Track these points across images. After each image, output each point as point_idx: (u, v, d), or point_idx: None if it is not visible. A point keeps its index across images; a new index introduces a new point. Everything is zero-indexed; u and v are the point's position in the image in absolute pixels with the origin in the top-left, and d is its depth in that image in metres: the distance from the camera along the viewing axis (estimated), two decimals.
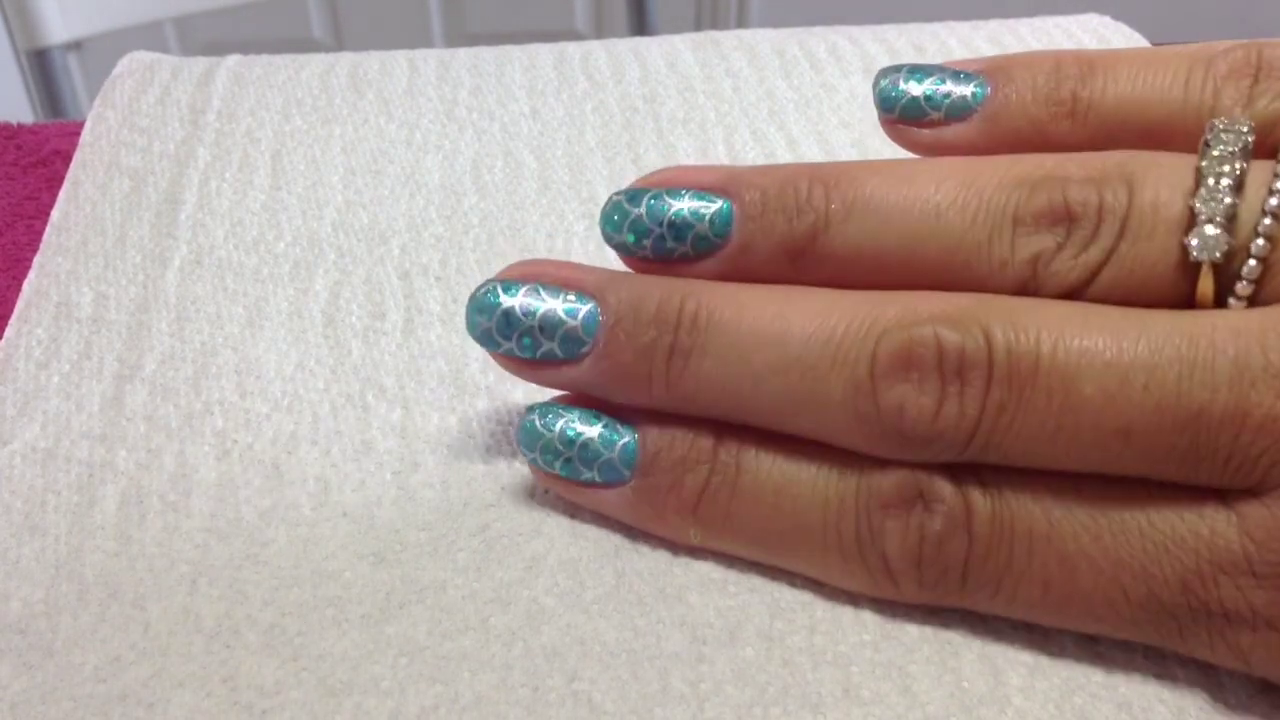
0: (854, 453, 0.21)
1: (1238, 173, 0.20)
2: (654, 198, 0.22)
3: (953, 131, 0.24)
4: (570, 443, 0.22)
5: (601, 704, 0.20)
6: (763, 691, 0.20)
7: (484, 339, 0.23)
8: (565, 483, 0.23)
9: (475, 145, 0.35)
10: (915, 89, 0.24)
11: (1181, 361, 0.18)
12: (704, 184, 0.23)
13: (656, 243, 0.22)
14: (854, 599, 0.22)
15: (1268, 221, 0.19)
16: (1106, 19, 0.41)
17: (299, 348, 0.28)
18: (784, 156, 0.33)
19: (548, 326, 0.22)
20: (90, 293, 0.29)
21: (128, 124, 0.35)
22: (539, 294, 0.22)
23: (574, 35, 1.44)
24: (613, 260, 0.24)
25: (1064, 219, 0.20)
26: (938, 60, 0.38)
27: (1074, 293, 0.20)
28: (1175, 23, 1.28)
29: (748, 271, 0.22)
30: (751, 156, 0.34)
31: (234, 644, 0.21)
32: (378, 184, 0.33)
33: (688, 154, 0.34)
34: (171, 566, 0.23)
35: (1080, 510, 0.19)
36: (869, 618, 0.21)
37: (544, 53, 0.40)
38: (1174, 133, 0.22)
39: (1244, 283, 0.19)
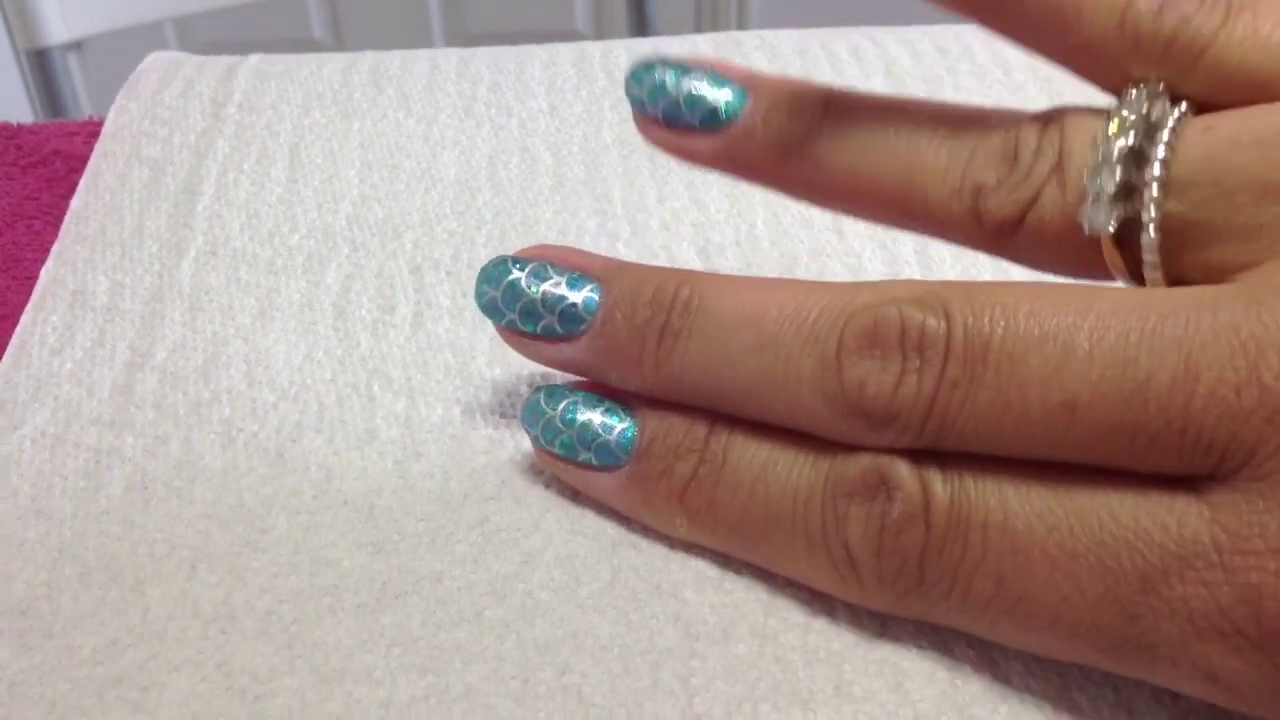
0: (831, 443, 0.21)
1: (1134, 145, 0.20)
2: (680, 69, 0.24)
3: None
4: (570, 423, 0.23)
5: (591, 697, 0.20)
6: (753, 687, 0.20)
7: (489, 308, 0.23)
8: (563, 463, 0.23)
9: (492, 141, 0.35)
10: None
11: (1129, 330, 0.18)
12: (728, 74, 0.24)
13: (670, 107, 0.24)
14: None
15: (1154, 189, 0.20)
16: None
17: (308, 339, 0.28)
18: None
19: (550, 301, 0.23)
20: (106, 281, 0.30)
21: (149, 115, 0.36)
22: (546, 271, 0.23)
23: (574, 35, 1.45)
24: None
25: (1011, 158, 0.21)
26: (961, 60, 0.38)
27: (1010, 228, 0.21)
28: None
29: (745, 156, 0.24)
30: None
31: (230, 630, 0.21)
32: (393, 178, 0.33)
33: None
34: (172, 551, 0.23)
35: (1038, 500, 0.19)
36: (865, 616, 0.21)
37: (564, 51, 0.40)
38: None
39: (1148, 246, 0.20)
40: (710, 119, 0.24)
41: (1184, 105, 0.20)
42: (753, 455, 0.21)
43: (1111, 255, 0.20)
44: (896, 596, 0.20)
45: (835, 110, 0.23)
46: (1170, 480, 0.18)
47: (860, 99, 0.24)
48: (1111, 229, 0.20)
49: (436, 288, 0.29)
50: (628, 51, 0.40)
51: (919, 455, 0.20)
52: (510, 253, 0.29)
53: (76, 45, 0.80)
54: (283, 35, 1.48)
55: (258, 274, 0.30)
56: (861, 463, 0.20)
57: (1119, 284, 0.20)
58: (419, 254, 0.30)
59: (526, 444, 0.25)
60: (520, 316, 0.23)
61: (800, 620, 0.21)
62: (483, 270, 0.24)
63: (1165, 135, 0.20)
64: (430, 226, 0.31)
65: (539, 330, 0.23)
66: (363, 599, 0.22)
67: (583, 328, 0.23)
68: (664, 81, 0.24)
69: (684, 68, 0.24)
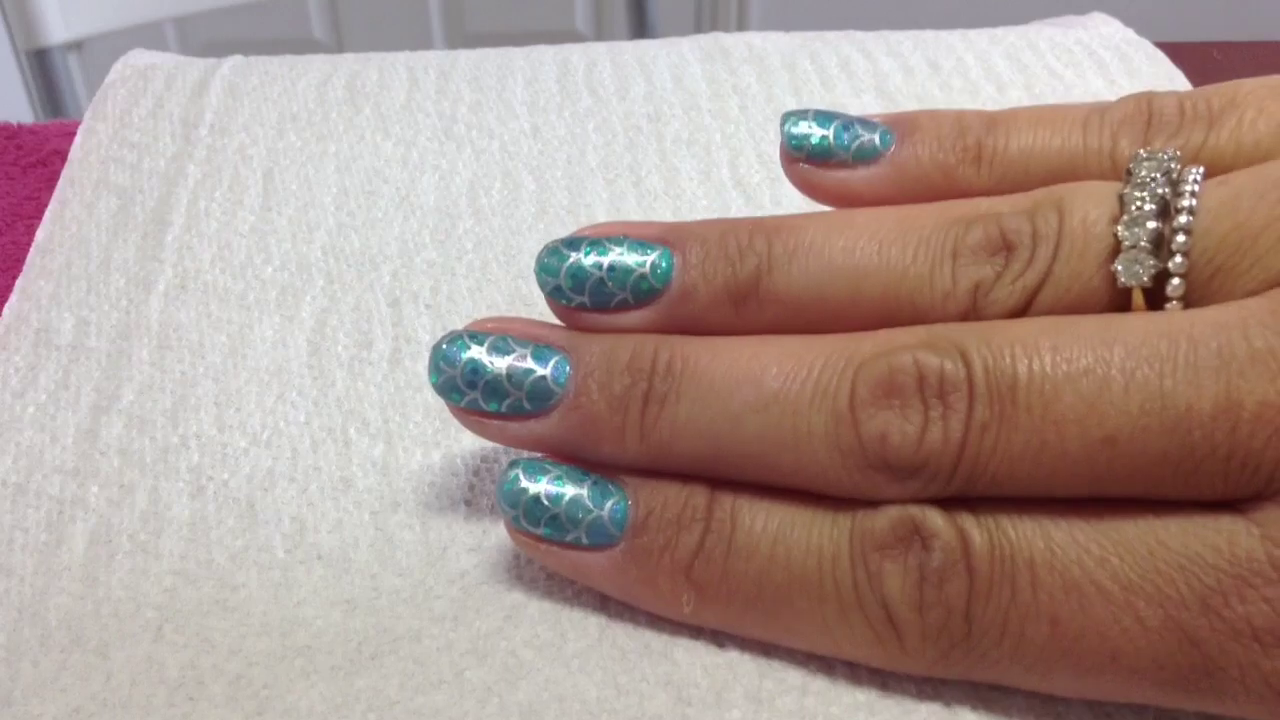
0: (844, 499, 0.20)
1: (1160, 196, 0.20)
2: (593, 244, 0.22)
3: (860, 176, 0.24)
4: (557, 499, 0.21)
5: None
6: None
7: (446, 389, 0.22)
8: (546, 547, 0.21)
9: (473, 165, 0.34)
10: (822, 131, 0.25)
11: (1162, 359, 0.18)
12: (644, 235, 0.22)
13: (595, 287, 0.22)
14: None
15: (1180, 238, 0.20)
16: (1130, 34, 0.40)
17: (281, 378, 0.27)
18: (788, 181, 0.32)
19: (515, 376, 0.21)
20: (71, 318, 0.28)
21: (118, 139, 0.34)
22: (507, 344, 0.22)
23: (574, 35, 1.43)
24: None
25: (1000, 248, 0.21)
26: (954, 76, 0.37)
27: (1015, 316, 0.20)
28: (1179, 23, 1.26)
29: (690, 318, 0.22)
30: (756, 180, 0.33)
31: (197, 696, 0.20)
32: (371, 205, 0.32)
33: (690, 178, 0.33)
34: (137, 612, 0.22)
35: (1082, 534, 0.18)
36: (864, 678, 0.20)
37: (548, 61, 0.38)
38: (1076, 178, 0.22)
39: (1173, 302, 0.20)
40: (644, 285, 0.22)
41: (1199, 166, 0.21)
42: (765, 518, 0.20)
43: (1138, 300, 0.20)
44: (941, 653, 0.19)
45: (783, 237, 0.22)
46: (1208, 503, 0.18)
47: (804, 219, 0.22)
48: (1148, 279, 0.20)
49: (415, 322, 0.28)
50: (612, 63, 0.38)
51: (946, 503, 0.19)
52: (491, 285, 0.28)
53: (76, 45, 0.79)
54: (283, 35, 1.46)
55: (229, 309, 0.29)
56: (890, 514, 0.19)
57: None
58: (397, 286, 0.29)
59: None
60: (483, 395, 0.21)
61: (797, 682, 0.20)
62: (436, 349, 0.22)
63: (1189, 187, 0.20)
64: (409, 257, 0.30)
65: (504, 408, 0.21)
66: (337, 661, 0.21)
67: (553, 401, 0.21)
68: (579, 260, 0.22)
69: (596, 240, 0.22)
